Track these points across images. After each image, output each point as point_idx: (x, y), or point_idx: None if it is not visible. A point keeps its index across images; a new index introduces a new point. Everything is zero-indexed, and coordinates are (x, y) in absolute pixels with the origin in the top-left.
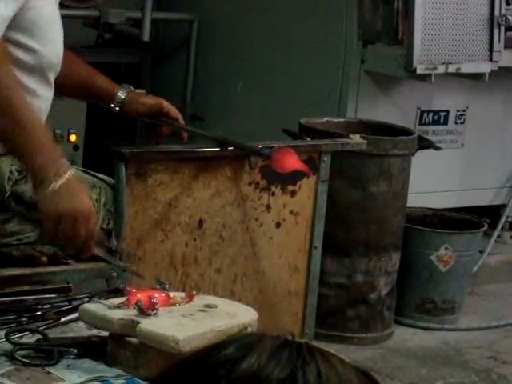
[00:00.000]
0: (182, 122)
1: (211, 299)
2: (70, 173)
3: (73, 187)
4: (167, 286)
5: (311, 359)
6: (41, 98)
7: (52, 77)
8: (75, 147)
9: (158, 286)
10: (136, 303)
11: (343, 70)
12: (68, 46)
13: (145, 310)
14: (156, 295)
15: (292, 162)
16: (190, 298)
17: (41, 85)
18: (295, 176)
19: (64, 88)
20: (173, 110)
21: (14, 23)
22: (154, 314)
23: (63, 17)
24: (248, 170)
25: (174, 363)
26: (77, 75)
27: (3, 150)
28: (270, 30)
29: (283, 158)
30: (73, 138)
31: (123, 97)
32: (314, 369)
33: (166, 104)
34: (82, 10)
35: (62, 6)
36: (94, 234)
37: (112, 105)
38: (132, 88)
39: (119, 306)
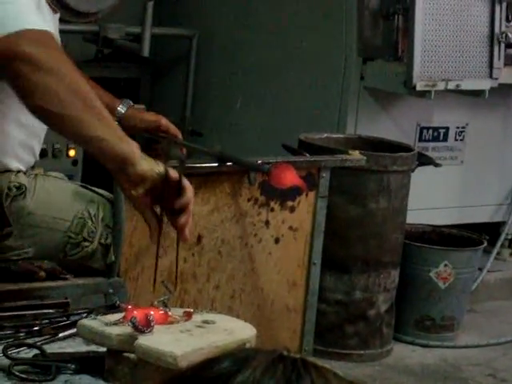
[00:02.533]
0: (181, 139)
1: (209, 315)
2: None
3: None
4: (170, 294)
5: (306, 374)
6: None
7: None
8: (74, 162)
9: (161, 301)
10: (131, 320)
11: (343, 86)
12: None
13: (139, 327)
14: (152, 312)
15: (290, 177)
16: (189, 316)
17: None
18: (294, 192)
19: None
20: (172, 128)
21: None
22: (149, 331)
23: (63, 31)
24: (247, 185)
25: (170, 378)
26: None
27: (1, 167)
28: (269, 45)
29: (282, 174)
30: (72, 152)
31: (123, 111)
32: (308, 382)
33: (164, 121)
34: (81, 25)
35: (61, 20)
36: None
37: None
38: (132, 103)
39: (116, 323)
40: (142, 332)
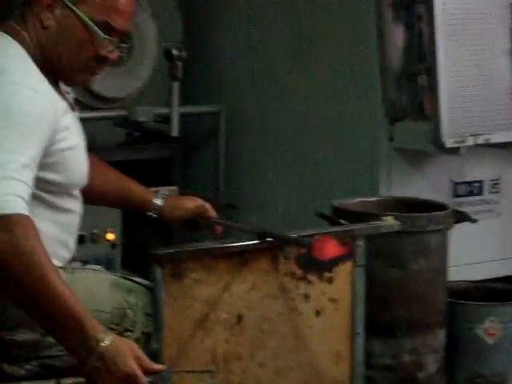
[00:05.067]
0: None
1: None
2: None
3: (118, 349)
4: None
5: None
6: (71, 212)
7: (77, 191)
8: (113, 246)
9: None
10: None
11: (372, 149)
12: (100, 146)
13: None
14: None
15: (332, 248)
16: None
17: (67, 199)
18: (331, 263)
19: (97, 198)
20: (211, 211)
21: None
22: None
23: (92, 119)
24: (283, 260)
25: None
26: (109, 185)
27: None
28: (295, 114)
29: (324, 246)
30: (110, 236)
31: (160, 203)
32: None
33: (208, 206)
34: (110, 110)
35: (92, 108)
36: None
37: (149, 213)
38: (166, 193)
39: None
40: None
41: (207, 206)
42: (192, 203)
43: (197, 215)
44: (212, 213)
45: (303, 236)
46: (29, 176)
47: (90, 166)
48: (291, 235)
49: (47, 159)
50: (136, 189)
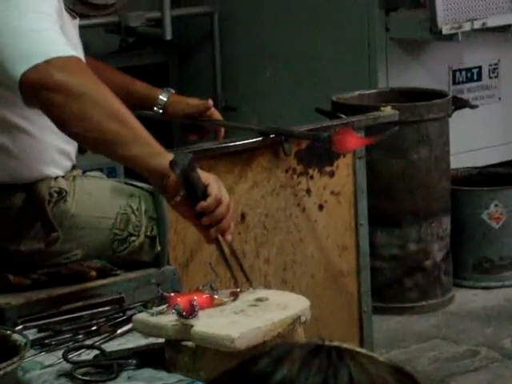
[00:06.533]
0: (223, 120)
1: (261, 292)
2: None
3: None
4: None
5: (342, 365)
6: None
7: None
8: None
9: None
10: (174, 308)
11: (369, 40)
12: (93, 54)
13: (184, 314)
14: (195, 297)
15: (353, 140)
16: (235, 296)
17: None
18: (331, 156)
19: None
20: (216, 111)
21: None
22: (194, 316)
23: (84, 26)
24: (283, 157)
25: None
26: (114, 85)
27: (40, 176)
28: (290, 10)
29: (344, 139)
30: None
31: (165, 99)
32: (345, 374)
33: (211, 103)
34: (102, 17)
35: (82, 16)
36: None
37: (155, 108)
38: (173, 91)
39: (161, 313)
40: (187, 318)
41: (210, 101)
42: (195, 99)
43: (202, 111)
44: (215, 112)
45: (321, 130)
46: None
47: (91, 70)
48: (308, 132)
49: None
50: (141, 85)
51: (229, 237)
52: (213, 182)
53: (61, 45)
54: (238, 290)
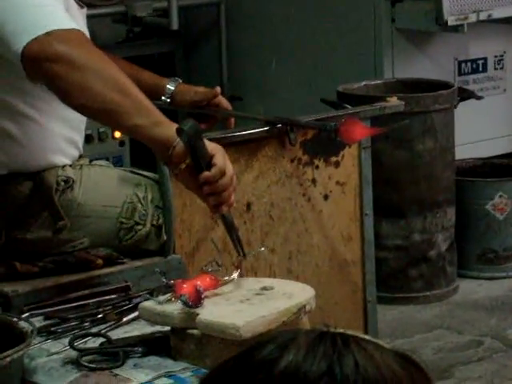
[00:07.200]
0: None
1: (266, 281)
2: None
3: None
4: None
5: (347, 351)
6: None
7: None
8: (121, 143)
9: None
10: (180, 299)
11: (375, 31)
12: (100, 44)
13: (190, 304)
14: (199, 283)
15: (360, 130)
16: (238, 268)
17: None
18: (337, 146)
19: None
20: (224, 100)
21: None
22: (201, 305)
23: (90, 16)
24: (289, 146)
25: (213, 370)
26: None
27: (47, 164)
28: (297, 1)
29: (350, 129)
30: (117, 134)
31: (173, 88)
32: (350, 361)
33: (219, 90)
34: (108, 7)
35: (88, 5)
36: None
37: (163, 97)
38: (180, 80)
39: (167, 300)
40: (194, 308)
41: (218, 89)
42: (203, 87)
43: (210, 99)
44: (223, 100)
45: (328, 120)
46: None
47: None
48: (313, 121)
49: None
50: (148, 75)
51: (225, 208)
52: (218, 153)
53: (63, 18)
54: (240, 259)
